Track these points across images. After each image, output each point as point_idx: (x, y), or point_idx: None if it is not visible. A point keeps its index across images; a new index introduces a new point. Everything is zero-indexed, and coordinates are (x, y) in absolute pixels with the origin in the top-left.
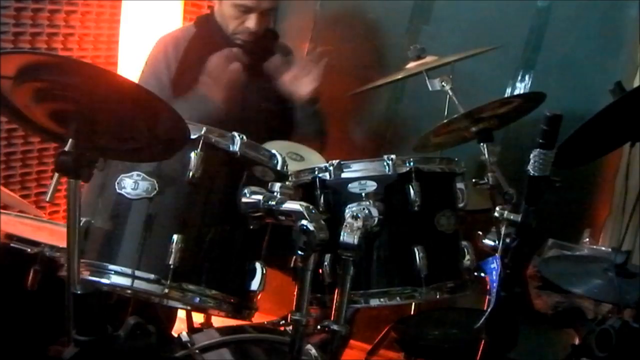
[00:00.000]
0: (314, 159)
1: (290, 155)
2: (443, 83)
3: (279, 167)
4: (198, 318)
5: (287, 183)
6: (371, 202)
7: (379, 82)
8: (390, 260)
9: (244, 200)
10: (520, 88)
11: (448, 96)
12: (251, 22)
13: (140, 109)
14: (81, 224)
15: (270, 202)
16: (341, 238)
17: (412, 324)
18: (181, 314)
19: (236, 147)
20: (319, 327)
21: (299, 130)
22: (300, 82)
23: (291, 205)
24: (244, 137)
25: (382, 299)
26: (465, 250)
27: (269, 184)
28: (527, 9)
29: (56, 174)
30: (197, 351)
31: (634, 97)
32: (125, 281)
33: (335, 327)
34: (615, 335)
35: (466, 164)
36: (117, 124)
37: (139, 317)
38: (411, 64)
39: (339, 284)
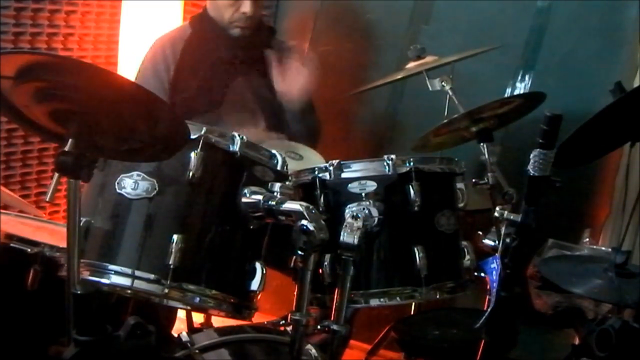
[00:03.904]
0: (313, 158)
1: (289, 154)
2: (443, 83)
3: (279, 167)
4: (198, 318)
5: (287, 183)
6: (371, 202)
7: (379, 82)
8: (390, 260)
9: (244, 200)
10: (520, 88)
11: (448, 96)
12: (246, 6)
13: (140, 109)
14: (81, 224)
15: (270, 202)
16: (341, 238)
17: (412, 324)
18: (181, 314)
19: (236, 147)
20: (319, 327)
21: (290, 130)
22: (291, 81)
23: (291, 205)
24: (244, 137)
25: (382, 299)
26: (465, 250)
27: (269, 184)
28: (527, 9)
29: (56, 174)
30: (197, 351)
31: (634, 97)
32: (125, 281)
33: (335, 327)
34: (615, 335)
35: (466, 164)
36: (117, 124)
37: (139, 317)
38: (411, 64)
39: (339, 284)
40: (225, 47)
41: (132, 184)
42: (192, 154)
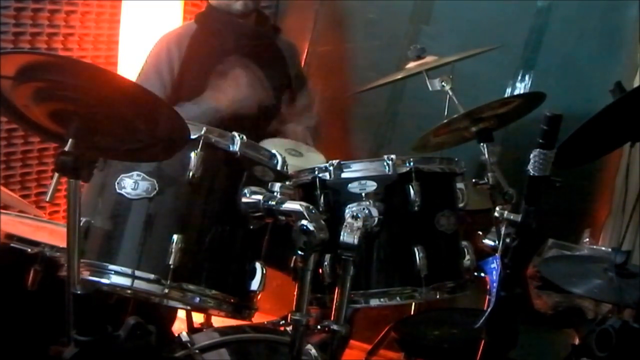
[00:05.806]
0: (313, 156)
1: (289, 151)
2: (443, 83)
3: (279, 167)
4: (198, 318)
5: (287, 183)
6: (371, 202)
7: (379, 82)
8: (390, 260)
9: (244, 200)
10: (520, 88)
11: (448, 96)
12: None
13: (140, 109)
14: (81, 224)
15: (270, 202)
16: (341, 238)
17: (412, 324)
18: (181, 314)
19: (236, 147)
20: (319, 327)
21: (293, 124)
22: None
23: (291, 205)
24: (244, 137)
25: (382, 299)
26: (465, 250)
27: (269, 184)
28: (527, 9)
29: (56, 174)
30: (197, 351)
31: (634, 97)
32: (125, 281)
33: (335, 327)
34: (615, 335)
35: (466, 164)
36: (117, 124)
37: (139, 317)
38: (411, 64)
39: (339, 284)
40: (233, 36)
41: (132, 184)
42: (192, 154)
